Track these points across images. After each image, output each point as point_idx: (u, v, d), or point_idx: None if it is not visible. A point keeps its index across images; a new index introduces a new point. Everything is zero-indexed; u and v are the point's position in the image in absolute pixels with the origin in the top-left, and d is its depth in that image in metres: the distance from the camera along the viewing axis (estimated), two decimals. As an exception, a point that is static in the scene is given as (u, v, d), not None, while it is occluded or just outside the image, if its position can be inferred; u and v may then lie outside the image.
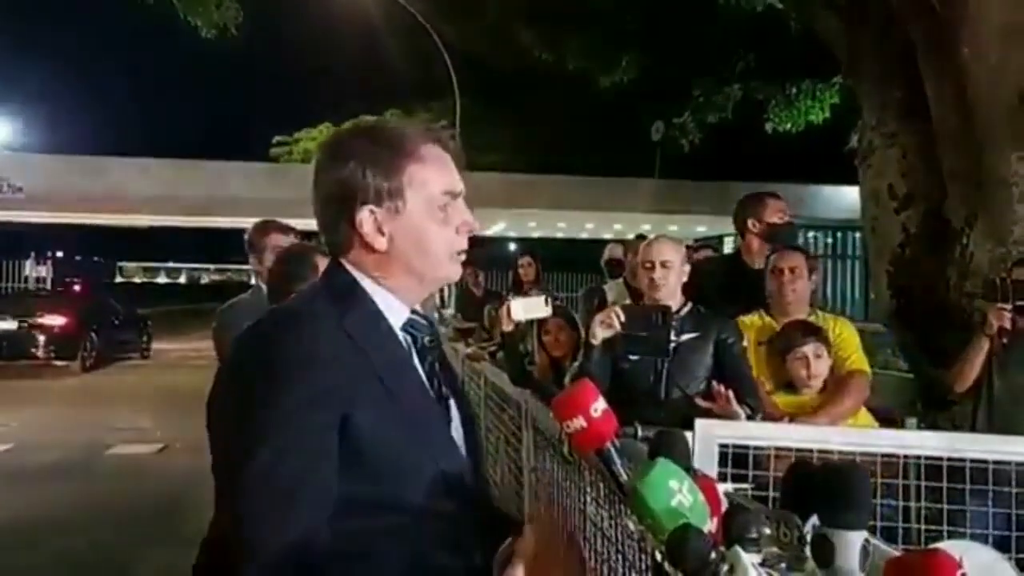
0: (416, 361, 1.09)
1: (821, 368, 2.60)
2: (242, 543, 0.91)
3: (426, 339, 1.11)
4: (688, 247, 3.26)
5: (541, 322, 3.23)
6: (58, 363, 11.98)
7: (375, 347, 1.03)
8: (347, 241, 1.08)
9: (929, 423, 3.34)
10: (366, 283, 1.08)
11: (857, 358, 2.71)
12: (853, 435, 2.25)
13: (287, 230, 3.01)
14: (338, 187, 1.06)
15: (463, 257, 1.12)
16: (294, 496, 0.92)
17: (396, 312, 1.09)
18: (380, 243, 1.06)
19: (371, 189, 1.04)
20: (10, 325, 11.97)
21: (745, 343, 2.67)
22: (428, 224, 1.07)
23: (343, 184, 1.05)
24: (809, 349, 2.59)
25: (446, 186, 1.08)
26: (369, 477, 0.97)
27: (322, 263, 1.56)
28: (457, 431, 1.12)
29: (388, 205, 1.05)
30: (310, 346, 0.98)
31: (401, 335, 1.09)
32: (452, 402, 1.13)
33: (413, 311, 1.11)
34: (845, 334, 2.75)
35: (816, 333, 2.63)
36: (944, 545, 1.61)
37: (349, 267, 1.08)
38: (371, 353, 1.02)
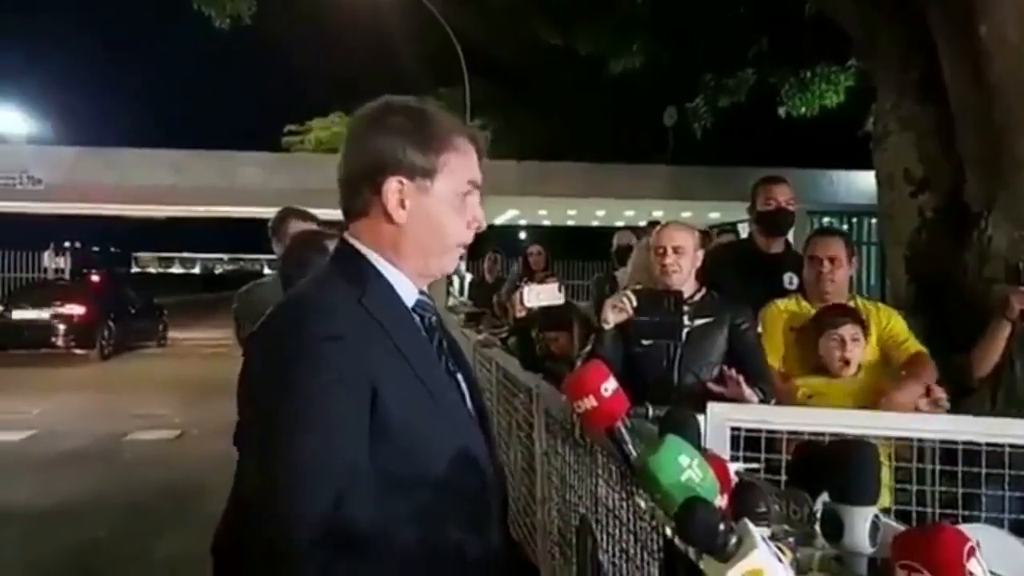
0: (427, 339, 1.12)
1: (856, 351, 2.53)
2: (275, 520, 0.92)
3: (432, 318, 1.15)
4: (711, 230, 3.23)
5: (546, 324, 3.25)
6: (77, 351, 12.21)
7: (394, 324, 1.06)
8: (367, 209, 1.10)
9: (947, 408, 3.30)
10: (377, 261, 1.10)
11: (914, 341, 2.65)
12: (868, 418, 2.23)
13: (306, 217, 3.07)
14: (374, 155, 1.09)
15: (463, 251, 1.16)
16: (330, 473, 0.94)
17: (407, 291, 1.12)
18: (400, 216, 1.08)
19: (406, 164, 1.08)
20: (31, 315, 12.21)
21: (760, 328, 2.65)
22: (447, 210, 1.11)
23: (380, 154, 1.08)
24: (846, 331, 2.52)
25: (471, 176, 1.13)
26: (397, 453, 0.99)
27: (332, 247, 1.57)
28: (470, 407, 1.15)
29: (419, 183, 1.09)
30: (335, 326, 1.00)
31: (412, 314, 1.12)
32: (460, 377, 1.16)
33: (421, 291, 1.14)
34: (893, 320, 2.70)
35: (854, 317, 2.57)
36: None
37: (358, 245, 1.11)
38: (391, 330, 1.04)
